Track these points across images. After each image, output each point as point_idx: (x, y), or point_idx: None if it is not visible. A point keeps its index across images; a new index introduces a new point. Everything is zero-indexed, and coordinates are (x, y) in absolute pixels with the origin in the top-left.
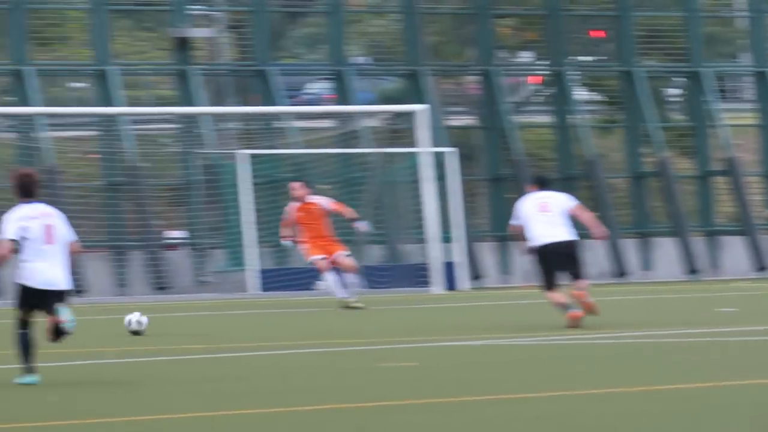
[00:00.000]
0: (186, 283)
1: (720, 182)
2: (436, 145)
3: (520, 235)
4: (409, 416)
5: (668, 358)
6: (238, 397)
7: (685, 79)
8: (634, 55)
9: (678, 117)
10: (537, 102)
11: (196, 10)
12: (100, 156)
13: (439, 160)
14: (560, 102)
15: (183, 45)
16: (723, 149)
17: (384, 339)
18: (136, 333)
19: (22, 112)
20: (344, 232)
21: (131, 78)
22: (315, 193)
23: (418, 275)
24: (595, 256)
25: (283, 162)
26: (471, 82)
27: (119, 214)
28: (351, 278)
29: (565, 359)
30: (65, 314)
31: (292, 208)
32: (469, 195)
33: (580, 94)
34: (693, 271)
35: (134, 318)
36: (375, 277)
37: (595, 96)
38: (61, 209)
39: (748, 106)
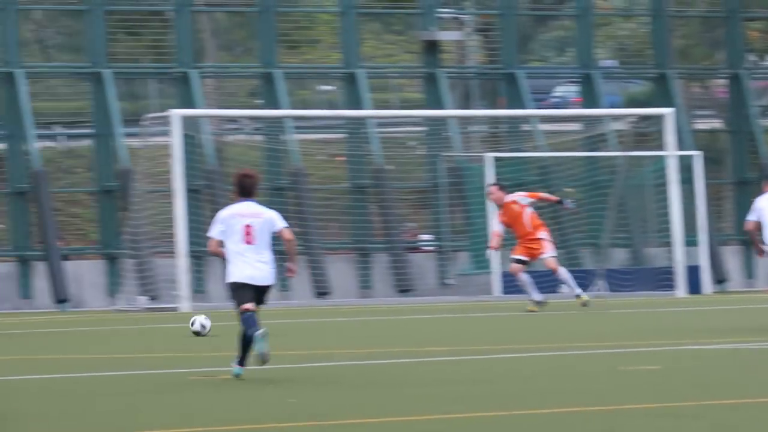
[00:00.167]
0: (430, 285)
1: None
2: (682, 149)
3: (754, 233)
4: (654, 420)
5: None
6: (477, 399)
7: None
8: None
9: None
10: None
11: (445, 13)
12: (346, 158)
13: (685, 164)
14: None
15: (431, 48)
16: None
17: (626, 342)
18: (197, 334)
19: (270, 114)
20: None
21: (378, 81)
22: (509, 192)
23: (662, 278)
24: None
25: (529, 165)
26: (719, 85)
27: (364, 216)
28: (564, 277)
29: None
30: (260, 346)
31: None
32: (714, 198)
33: None
34: None
35: (199, 319)
36: (619, 280)
37: None
38: (306, 211)
39: None
